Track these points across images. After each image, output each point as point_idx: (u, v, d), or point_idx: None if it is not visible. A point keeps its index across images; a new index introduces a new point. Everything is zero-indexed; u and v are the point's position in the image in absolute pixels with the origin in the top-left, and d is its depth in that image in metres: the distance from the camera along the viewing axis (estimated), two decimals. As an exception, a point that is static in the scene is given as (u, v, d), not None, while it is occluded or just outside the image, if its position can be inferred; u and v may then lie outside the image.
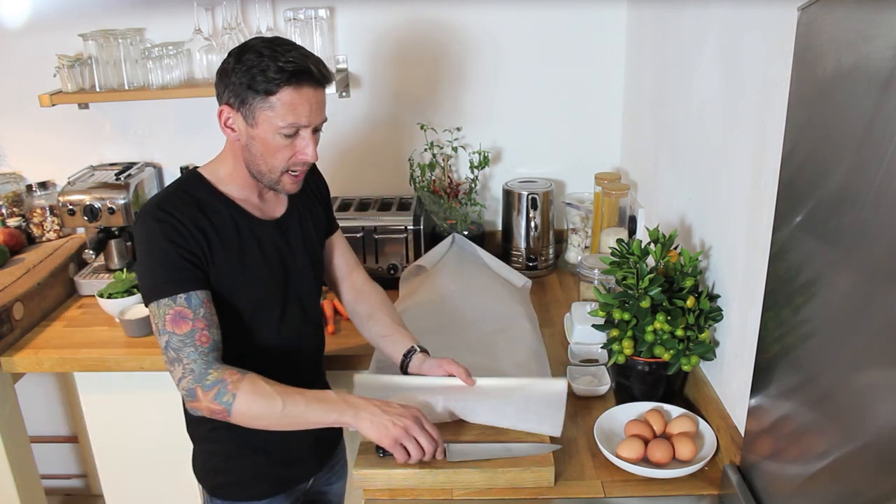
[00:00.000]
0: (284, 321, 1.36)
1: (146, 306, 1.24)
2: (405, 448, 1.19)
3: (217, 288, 1.27)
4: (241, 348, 1.31)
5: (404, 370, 1.42)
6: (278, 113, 1.19)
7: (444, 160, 2.17)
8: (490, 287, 1.87)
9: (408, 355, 1.42)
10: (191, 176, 1.32)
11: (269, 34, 2.05)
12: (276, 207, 1.37)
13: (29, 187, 2.26)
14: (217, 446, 1.38)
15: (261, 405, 1.18)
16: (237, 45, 2.17)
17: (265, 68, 1.17)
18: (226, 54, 1.23)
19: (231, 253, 1.28)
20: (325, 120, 1.27)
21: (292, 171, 1.28)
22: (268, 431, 1.24)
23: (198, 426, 1.38)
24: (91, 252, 2.10)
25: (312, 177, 1.46)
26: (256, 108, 1.19)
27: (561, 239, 2.25)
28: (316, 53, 2.03)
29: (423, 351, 1.43)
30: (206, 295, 1.24)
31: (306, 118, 1.21)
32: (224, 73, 1.22)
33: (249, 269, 1.30)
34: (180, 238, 1.21)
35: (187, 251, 1.22)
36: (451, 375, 1.39)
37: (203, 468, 1.41)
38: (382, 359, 1.52)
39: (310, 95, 1.20)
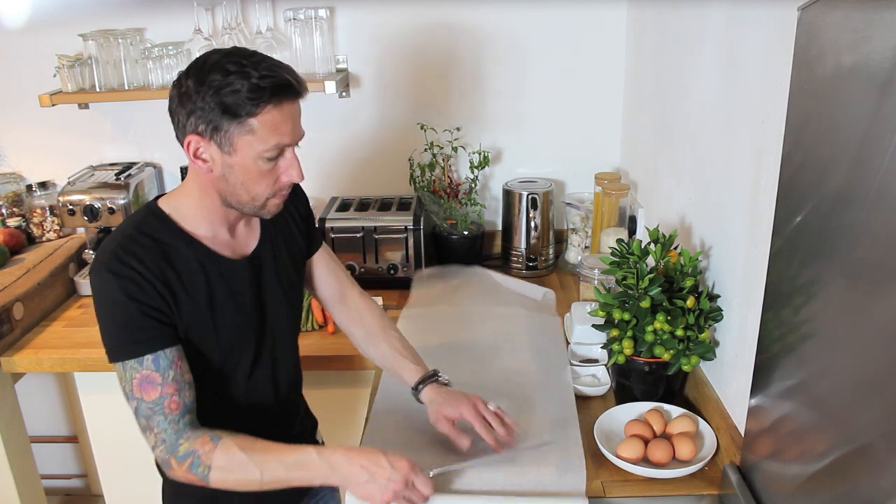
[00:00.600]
0: (258, 364, 1.26)
1: (110, 363, 1.13)
2: None
3: (186, 339, 1.15)
4: (214, 394, 1.21)
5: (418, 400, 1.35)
6: (259, 136, 1.06)
7: (444, 160, 2.17)
8: (519, 325, 1.79)
9: (417, 389, 1.33)
10: (149, 213, 1.17)
11: (268, 34, 2.06)
12: (248, 241, 1.25)
13: (29, 187, 2.26)
14: (186, 487, 1.21)
15: (238, 476, 1.10)
16: (237, 45, 2.15)
17: (237, 88, 1.03)
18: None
19: (199, 303, 1.15)
20: (304, 134, 1.15)
21: (279, 194, 1.16)
22: None
23: None
24: (91, 252, 2.10)
25: (290, 196, 1.28)
26: (234, 133, 1.06)
27: (561, 239, 2.25)
28: (316, 53, 2.06)
29: (432, 380, 1.33)
30: (176, 352, 1.12)
31: (290, 136, 1.09)
32: (185, 97, 1.06)
33: (220, 317, 1.18)
34: (142, 293, 1.09)
35: (151, 307, 1.10)
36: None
37: None
38: (389, 383, 1.48)
39: (291, 111, 1.09)
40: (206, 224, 1.18)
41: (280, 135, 1.08)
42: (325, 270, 1.42)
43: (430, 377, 1.34)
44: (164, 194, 1.22)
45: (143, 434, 1.12)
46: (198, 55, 1.09)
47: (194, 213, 1.17)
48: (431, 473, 1.17)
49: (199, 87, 1.05)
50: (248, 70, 1.04)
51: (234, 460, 1.09)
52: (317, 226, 2.01)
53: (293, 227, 1.33)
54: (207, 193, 1.15)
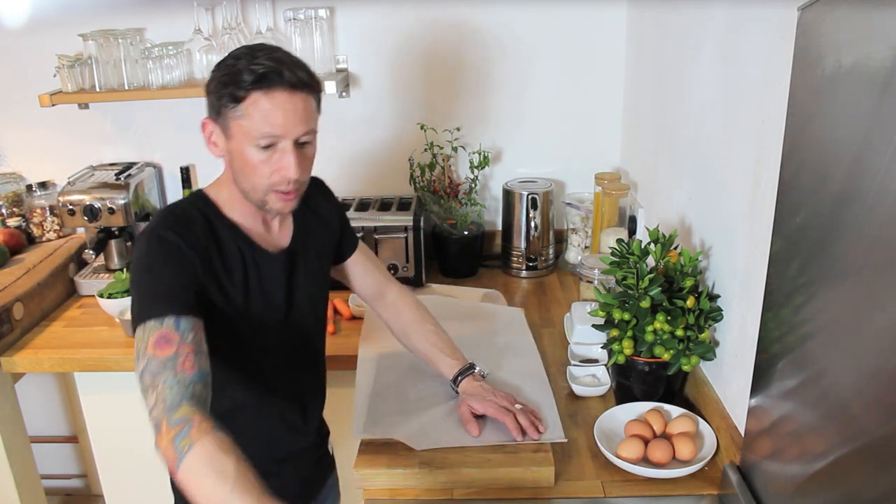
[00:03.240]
0: (280, 358, 1.28)
1: (134, 328, 1.08)
2: None
3: (213, 320, 1.14)
4: (233, 383, 1.23)
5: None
6: (252, 121, 1.08)
7: (444, 160, 2.17)
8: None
9: (455, 381, 1.40)
10: (198, 197, 1.21)
11: (268, 34, 2.06)
12: (281, 237, 1.27)
13: (29, 187, 2.26)
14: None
15: (209, 476, 0.93)
16: (237, 45, 2.15)
17: (237, 72, 1.07)
18: (226, 54, 1.16)
19: (234, 285, 1.18)
20: (311, 131, 1.14)
21: (279, 190, 1.14)
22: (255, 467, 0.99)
23: None
24: (91, 252, 2.10)
25: (321, 200, 1.36)
26: (230, 117, 1.09)
27: (561, 239, 2.25)
28: (316, 53, 2.06)
29: (469, 372, 1.40)
30: (199, 322, 1.09)
31: (281, 128, 1.09)
32: (208, 83, 1.13)
33: (250, 304, 1.21)
34: (181, 261, 1.11)
35: (188, 275, 1.11)
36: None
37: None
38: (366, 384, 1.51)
39: (283, 101, 1.08)
40: (239, 212, 1.21)
41: (270, 124, 1.08)
42: (362, 271, 1.46)
43: (468, 370, 1.40)
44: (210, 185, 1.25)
45: (143, 396, 1.01)
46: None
47: (231, 201, 1.20)
48: None
49: (214, 72, 1.11)
50: (250, 58, 1.07)
51: (217, 458, 0.93)
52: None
53: (321, 229, 1.35)
54: (233, 181, 1.18)
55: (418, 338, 1.46)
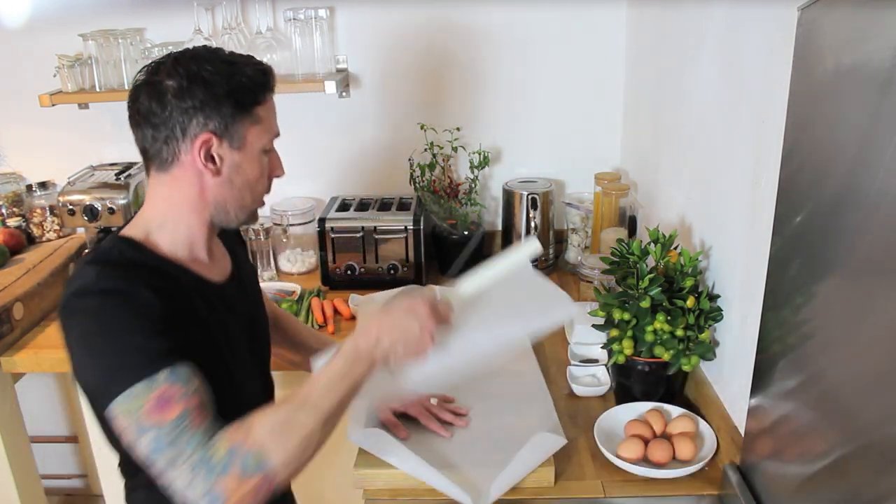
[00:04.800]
0: (247, 390, 1.17)
1: (103, 413, 0.92)
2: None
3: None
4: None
5: None
6: (264, 126, 1.05)
7: (444, 160, 2.17)
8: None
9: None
10: (118, 241, 1.04)
11: (268, 34, 2.06)
12: (223, 262, 1.16)
13: (29, 187, 2.26)
14: None
15: (293, 434, 0.91)
16: (237, 45, 2.14)
17: (246, 76, 1.02)
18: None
19: (195, 329, 1.02)
20: None
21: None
22: None
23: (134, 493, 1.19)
24: (91, 252, 2.10)
25: None
26: (243, 125, 1.02)
27: (561, 239, 2.25)
28: (316, 53, 2.06)
29: None
30: (194, 367, 0.94)
31: (277, 126, 1.10)
32: (181, 94, 0.98)
33: (215, 348, 1.07)
34: (150, 307, 0.94)
35: (154, 321, 0.94)
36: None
37: None
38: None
39: (273, 101, 1.09)
40: (185, 248, 1.07)
41: (274, 124, 1.08)
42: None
43: None
44: (122, 227, 1.09)
45: (169, 472, 0.88)
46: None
47: (172, 238, 1.06)
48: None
49: (196, 80, 0.99)
50: (241, 60, 1.04)
51: (277, 420, 0.91)
52: (316, 227, 2.01)
53: (234, 234, 1.28)
54: (194, 210, 1.05)
55: (307, 342, 1.40)
